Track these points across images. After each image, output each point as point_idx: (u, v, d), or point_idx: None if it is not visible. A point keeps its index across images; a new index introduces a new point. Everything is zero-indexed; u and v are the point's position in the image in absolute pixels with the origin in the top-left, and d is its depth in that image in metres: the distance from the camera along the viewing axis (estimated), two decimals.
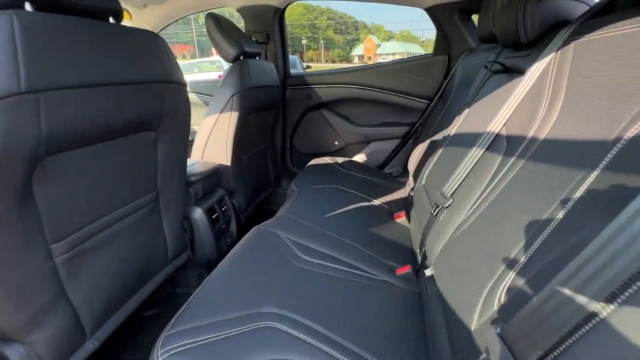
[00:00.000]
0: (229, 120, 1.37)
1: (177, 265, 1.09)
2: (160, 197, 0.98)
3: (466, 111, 1.09)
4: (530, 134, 0.65)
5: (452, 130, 1.14)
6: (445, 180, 0.90)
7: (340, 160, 1.83)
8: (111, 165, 0.78)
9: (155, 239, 1.00)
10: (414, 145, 1.77)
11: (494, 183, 0.70)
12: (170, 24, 1.96)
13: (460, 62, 1.51)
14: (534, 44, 0.81)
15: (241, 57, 1.45)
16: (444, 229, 0.81)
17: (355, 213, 1.24)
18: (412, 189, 1.45)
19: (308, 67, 11.88)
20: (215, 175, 1.36)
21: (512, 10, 0.82)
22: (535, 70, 0.72)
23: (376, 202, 1.41)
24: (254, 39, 1.84)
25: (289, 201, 1.27)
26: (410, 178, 1.63)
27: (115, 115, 0.73)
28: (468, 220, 0.72)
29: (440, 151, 1.14)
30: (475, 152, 0.81)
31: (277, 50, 1.86)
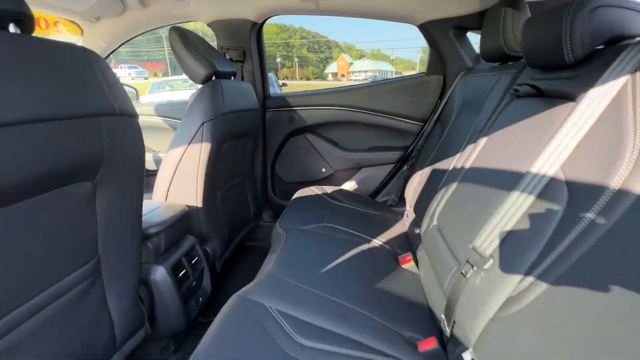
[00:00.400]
0: (199, 153, 1.14)
1: (127, 352, 0.82)
2: (103, 266, 0.73)
3: (483, 140, 0.93)
4: (614, 183, 0.47)
5: (466, 161, 0.97)
6: (473, 229, 0.72)
7: (329, 189, 1.63)
8: (28, 232, 0.54)
9: (97, 322, 0.74)
10: (411, 171, 1.60)
11: (559, 249, 0.51)
12: (131, 40, 1.71)
13: (459, 82, 1.38)
14: (578, 64, 0.66)
15: (213, 78, 1.23)
16: (484, 299, 0.62)
17: (356, 262, 1.03)
18: (416, 225, 1.26)
19: (284, 84, 11.83)
20: (183, 220, 1.11)
21: (552, 24, 0.67)
22: (599, 96, 0.56)
23: (376, 241, 1.21)
24: (228, 57, 1.63)
25: (274, 252, 1.04)
26: (409, 208, 1.45)
27: (33, 163, 0.50)
28: (526, 296, 0.53)
29: (454, 186, 0.96)
30: (520, 200, 0.63)
31: (254, 68, 1.66)
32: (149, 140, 2.08)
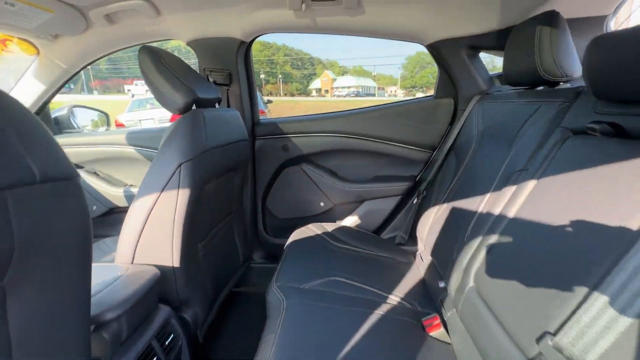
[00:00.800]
0: (175, 201, 0.91)
1: None
2: None
3: (531, 184, 0.75)
4: None
5: (506, 207, 0.78)
6: (547, 313, 0.53)
7: (329, 227, 1.42)
8: None
9: None
10: (422, 206, 1.42)
11: None
12: (96, 61, 1.48)
13: (476, 108, 1.22)
14: None
15: (193, 107, 1.02)
16: None
17: (375, 334, 0.82)
18: (438, 275, 1.07)
19: (269, 101, 11.68)
20: (153, 290, 0.86)
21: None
22: None
23: (393, 298, 1.01)
24: (211, 80, 1.42)
25: (272, 328, 0.81)
26: (423, 248, 1.27)
27: None
28: None
29: (493, 238, 0.78)
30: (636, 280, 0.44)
31: (242, 92, 1.46)
32: (120, 173, 1.83)
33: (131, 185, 1.74)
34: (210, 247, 1.17)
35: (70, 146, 1.65)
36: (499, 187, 0.88)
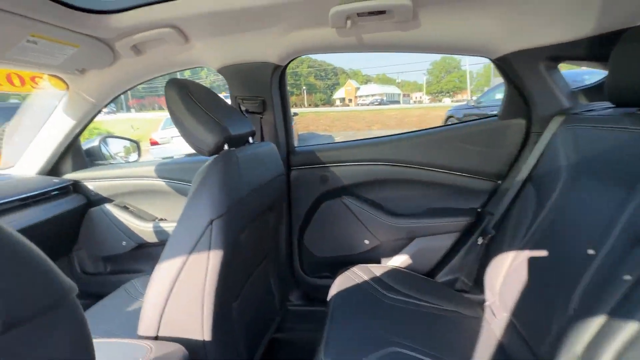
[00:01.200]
0: (206, 263, 0.76)
1: None
2: None
3: None
4: None
5: None
6: None
7: (377, 269, 1.23)
8: None
9: None
10: (491, 247, 1.19)
11: None
12: (124, 93, 1.41)
13: (561, 132, 0.99)
14: None
15: (225, 147, 0.88)
16: None
17: None
18: (526, 346, 0.85)
19: (295, 114, 11.71)
20: None
21: None
22: None
23: None
24: (242, 109, 1.30)
25: None
26: (495, 301, 1.04)
27: None
28: None
29: (632, 324, 0.55)
30: None
31: (276, 120, 1.32)
32: (150, 206, 1.75)
33: (161, 220, 1.65)
34: (244, 304, 1.01)
35: (101, 179, 1.59)
36: (621, 247, 0.66)
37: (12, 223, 1.20)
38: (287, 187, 1.39)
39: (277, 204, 1.20)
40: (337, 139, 11.89)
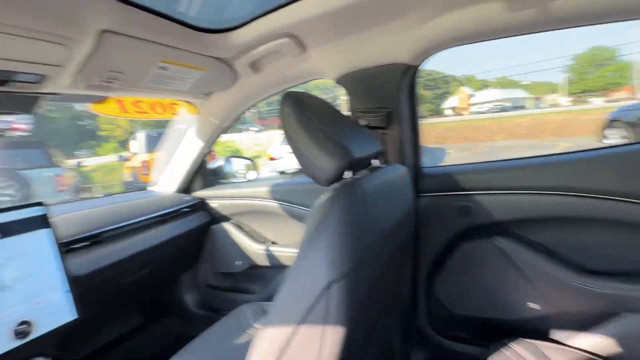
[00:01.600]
0: (320, 336, 0.55)
1: None
2: None
3: None
4: None
5: None
6: None
7: (554, 353, 0.81)
8: None
9: None
10: None
11: None
12: (243, 113, 1.40)
13: None
14: None
15: (345, 174, 0.67)
16: None
17: None
18: None
19: None
20: None
21: None
22: None
23: None
24: (361, 123, 1.09)
25: None
26: None
27: None
28: None
29: None
30: None
31: (404, 135, 1.06)
32: (263, 228, 1.73)
33: (273, 243, 1.59)
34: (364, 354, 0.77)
35: (221, 198, 1.64)
36: None
37: (153, 237, 1.30)
38: (415, 222, 1.10)
39: (408, 241, 0.93)
40: (450, 152, 10.73)
